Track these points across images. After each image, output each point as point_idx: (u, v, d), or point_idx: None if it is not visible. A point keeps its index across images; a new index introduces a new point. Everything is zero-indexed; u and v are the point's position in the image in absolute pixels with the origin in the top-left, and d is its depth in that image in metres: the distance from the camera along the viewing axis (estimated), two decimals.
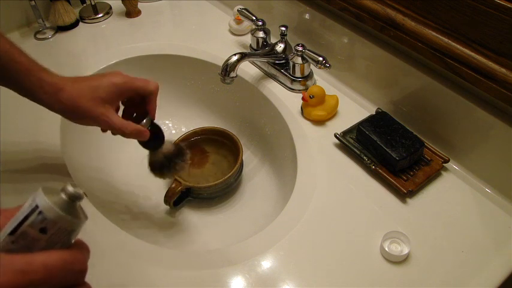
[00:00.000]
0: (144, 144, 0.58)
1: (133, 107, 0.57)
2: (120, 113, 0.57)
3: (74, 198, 0.31)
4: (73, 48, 0.87)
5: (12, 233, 0.29)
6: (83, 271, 0.31)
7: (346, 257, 0.53)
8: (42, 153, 0.65)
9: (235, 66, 0.68)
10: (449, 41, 0.55)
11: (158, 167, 0.59)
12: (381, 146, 0.60)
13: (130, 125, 0.54)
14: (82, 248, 0.32)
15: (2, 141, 0.66)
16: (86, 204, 0.56)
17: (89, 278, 0.32)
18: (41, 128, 0.69)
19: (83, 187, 0.63)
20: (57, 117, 0.58)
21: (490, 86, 0.52)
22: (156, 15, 0.96)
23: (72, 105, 0.51)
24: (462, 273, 0.51)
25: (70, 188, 0.30)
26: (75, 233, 0.31)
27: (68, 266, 0.29)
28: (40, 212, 0.29)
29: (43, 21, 0.89)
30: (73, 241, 0.32)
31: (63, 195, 0.30)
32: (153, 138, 0.57)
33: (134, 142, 0.58)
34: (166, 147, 0.59)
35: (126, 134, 0.54)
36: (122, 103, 0.57)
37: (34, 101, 0.52)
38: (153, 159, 0.59)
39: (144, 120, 0.56)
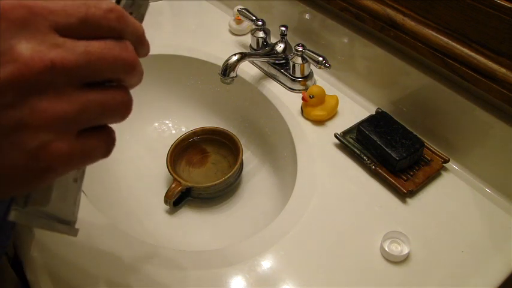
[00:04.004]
0: None
1: None
2: None
3: None
4: None
5: None
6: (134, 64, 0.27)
7: (346, 257, 0.53)
8: None
9: (235, 66, 0.68)
10: (449, 41, 0.55)
11: None
12: (381, 146, 0.60)
13: None
14: None
15: None
16: (85, 205, 0.56)
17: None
18: None
19: (82, 187, 0.63)
20: None
21: (490, 86, 0.52)
22: (156, 15, 0.96)
23: None
24: (462, 273, 0.51)
25: None
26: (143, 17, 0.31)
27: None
28: None
29: None
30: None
31: None
32: None
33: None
34: None
35: None
36: None
37: None
38: None
39: None
